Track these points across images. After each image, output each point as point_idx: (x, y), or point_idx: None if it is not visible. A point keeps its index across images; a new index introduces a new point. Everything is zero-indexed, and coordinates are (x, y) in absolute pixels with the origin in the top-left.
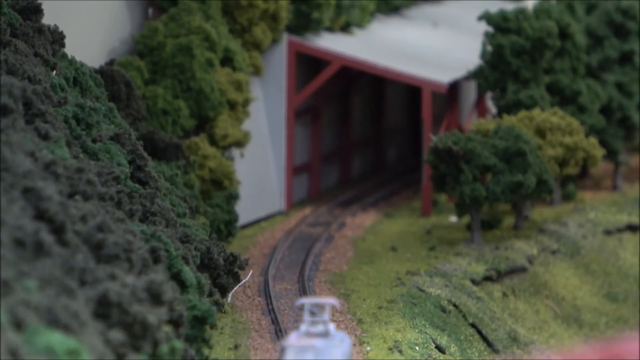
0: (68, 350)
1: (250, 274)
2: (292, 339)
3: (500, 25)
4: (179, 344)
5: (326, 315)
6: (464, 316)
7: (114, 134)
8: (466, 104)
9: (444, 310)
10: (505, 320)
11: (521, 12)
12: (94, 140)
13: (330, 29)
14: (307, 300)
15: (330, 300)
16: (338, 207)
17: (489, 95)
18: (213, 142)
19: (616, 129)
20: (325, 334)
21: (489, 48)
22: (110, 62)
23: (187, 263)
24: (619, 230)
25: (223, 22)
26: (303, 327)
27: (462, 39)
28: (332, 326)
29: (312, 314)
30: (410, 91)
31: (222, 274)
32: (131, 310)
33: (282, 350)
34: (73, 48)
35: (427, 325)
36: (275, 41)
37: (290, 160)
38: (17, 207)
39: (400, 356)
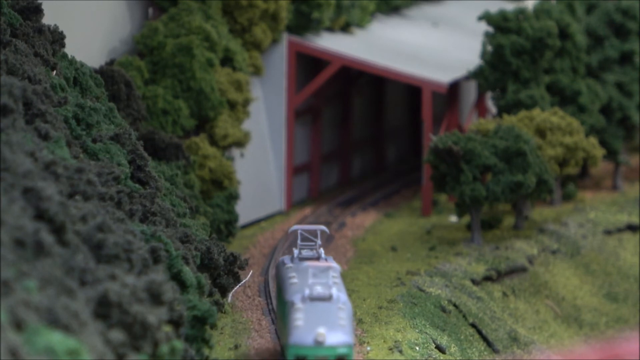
0: (68, 350)
1: (250, 274)
2: (290, 262)
3: (500, 25)
4: (179, 344)
5: (319, 240)
6: (464, 316)
7: (114, 134)
8: (466, 104)
9: (444, 310)
10: (505, 320)
11: (521, 12)
12: (94, 140)
13: (330, 29)
14: (298, 227)
15: (320, 227)
16: (338, 207)
17: (489, 95)
18: (213, 142)
19: (616, 129)
20: (318, 257)
21: (489, 48)
22: (111, 62)
23: (187, 263)
24: (619, 230)
25: (223, 22)
26: (296, 252)
27: (462, 39)
28: (322, 250)
29: (304, 239)
30: (410, 91)
31: (222, 274)
32: (131, 310)
33: (296, 271)
34: (73, 48)
35: (427, 325)
36: (275, 41)
37: (290, 160)
38: (17, 207)
39: (401, 356)
